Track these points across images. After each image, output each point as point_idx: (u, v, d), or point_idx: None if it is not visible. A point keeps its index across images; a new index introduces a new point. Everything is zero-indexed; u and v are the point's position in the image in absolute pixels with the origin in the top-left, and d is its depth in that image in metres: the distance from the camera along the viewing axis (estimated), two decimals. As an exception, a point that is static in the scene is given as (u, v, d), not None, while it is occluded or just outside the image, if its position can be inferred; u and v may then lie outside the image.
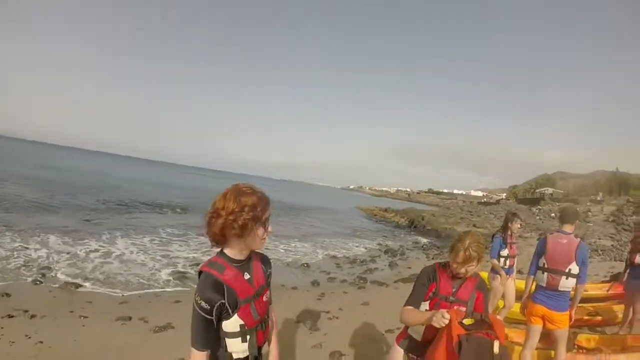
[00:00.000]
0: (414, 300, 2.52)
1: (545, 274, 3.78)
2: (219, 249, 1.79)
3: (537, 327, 3.92)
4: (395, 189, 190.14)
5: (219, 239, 1.73)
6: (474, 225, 27.80)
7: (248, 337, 1.78)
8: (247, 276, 1.78)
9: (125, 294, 6.96)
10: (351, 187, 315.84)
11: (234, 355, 1.78)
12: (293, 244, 14.52)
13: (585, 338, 5.33)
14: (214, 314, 1.67)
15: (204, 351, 1.71)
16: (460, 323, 2.10)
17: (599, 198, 43.75)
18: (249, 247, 1.79)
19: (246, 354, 1.80)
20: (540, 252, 3.88)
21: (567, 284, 3.68)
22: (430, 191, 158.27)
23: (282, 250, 12.97)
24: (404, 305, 2.51)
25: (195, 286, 1.70)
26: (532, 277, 4.02)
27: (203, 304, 1.65)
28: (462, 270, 2.42)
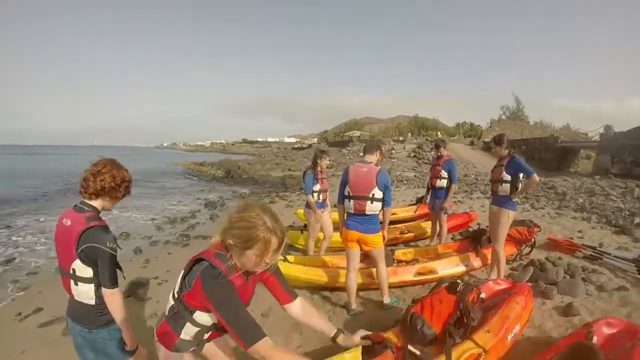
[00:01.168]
0: (256, 329, 1.65)
1: (352, 201, 4.04)
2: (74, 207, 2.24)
3: (354, 251, 4.17)
4: (210, 142, 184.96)
5: (98, 194, 2.22)
6: (289, 169, 29.11)
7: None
8: None
9: None
10: (165, 144, 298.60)
11: None
12: (108, 214, 12.58)
13: (402, 252, 5.85)
14: None
15: (118, 286, 2.19)
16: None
17: (401, 138, 49.77)
18: (111, 208, 2.37)
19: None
20: (345, 181, 4.13)
21: (373, 207, 3.98)
22: (244, 141, 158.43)
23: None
24: (251, 344, 1.60)
25: (95, 239, 2.09)
26: (341, 205, 4.24)
27: (115, 245, 2.16)
28: (274, 259, 1.79)
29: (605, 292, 4.65)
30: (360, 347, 2.00)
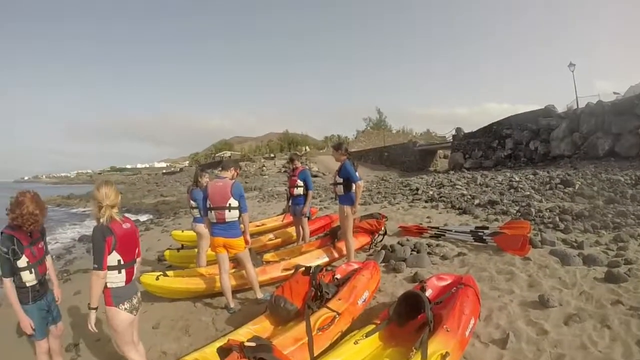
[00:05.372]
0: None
1: (213, 211, 4.73)
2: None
3: (222, 255, 4.80)
4: (76, 172, 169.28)
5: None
6: (162, 195, 28.30)
7: (33, 269, 3.08)
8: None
9: None
10: (26, 178, 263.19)
11: (27, 283, 3.05)
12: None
13: (270, 255, 6.52)
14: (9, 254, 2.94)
15: (8, 277, 2.96)
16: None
17: (272, 155, 51.22)
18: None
19: (34, 282, 3.10)
20: (205, 196, 4.84)
21: (231, 215, 4.71)
22: (113, 169, 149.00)
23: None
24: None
25: None
26: (206, 217, 4.92)
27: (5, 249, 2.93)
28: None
29: (448, 259, 5.81)
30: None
